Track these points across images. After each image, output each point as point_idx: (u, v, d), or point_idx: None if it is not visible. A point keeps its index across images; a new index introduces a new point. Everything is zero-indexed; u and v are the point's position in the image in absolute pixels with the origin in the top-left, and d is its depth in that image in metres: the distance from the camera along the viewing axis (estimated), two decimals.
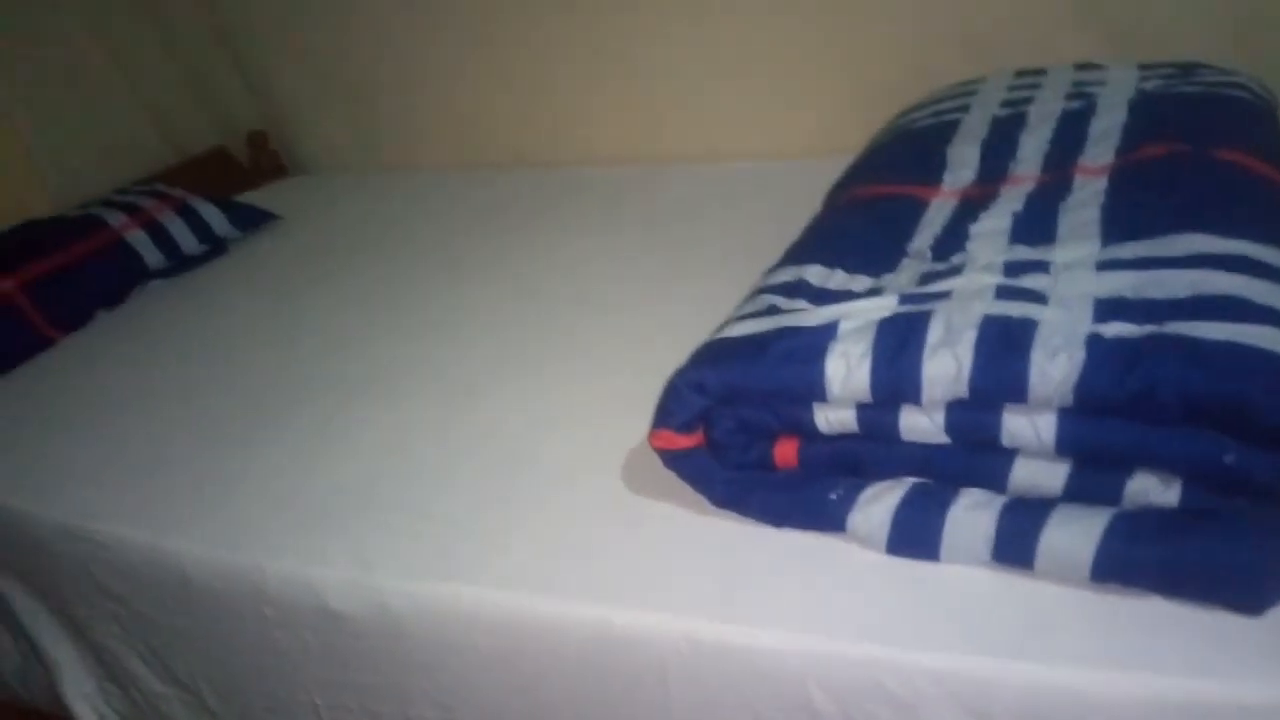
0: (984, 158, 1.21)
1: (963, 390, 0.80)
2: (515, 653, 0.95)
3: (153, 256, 1.89)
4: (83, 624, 1.24)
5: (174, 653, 1.18)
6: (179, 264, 1.94)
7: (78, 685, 1.29)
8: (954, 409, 0.83)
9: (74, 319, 1.75)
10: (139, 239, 1.88)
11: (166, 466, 1.26)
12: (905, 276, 0.99)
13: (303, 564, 1.04)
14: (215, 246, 2.01)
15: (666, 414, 0.95)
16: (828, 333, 0.88)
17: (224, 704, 1.17)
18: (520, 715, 0.98)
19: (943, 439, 0.85)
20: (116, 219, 1.90)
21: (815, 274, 1.04)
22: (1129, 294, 0.84)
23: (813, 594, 0.86)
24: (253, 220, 2.10)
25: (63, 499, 1.23)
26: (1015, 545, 0.80)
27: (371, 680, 1.04)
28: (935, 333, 0.83)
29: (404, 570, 1.00)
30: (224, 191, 2.18)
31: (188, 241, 1.95)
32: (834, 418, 0.88)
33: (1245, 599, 0.72)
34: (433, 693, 1.01)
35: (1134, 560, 0.75)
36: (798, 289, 1.02)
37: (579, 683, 0.93)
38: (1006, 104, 1.34)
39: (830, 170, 1.40)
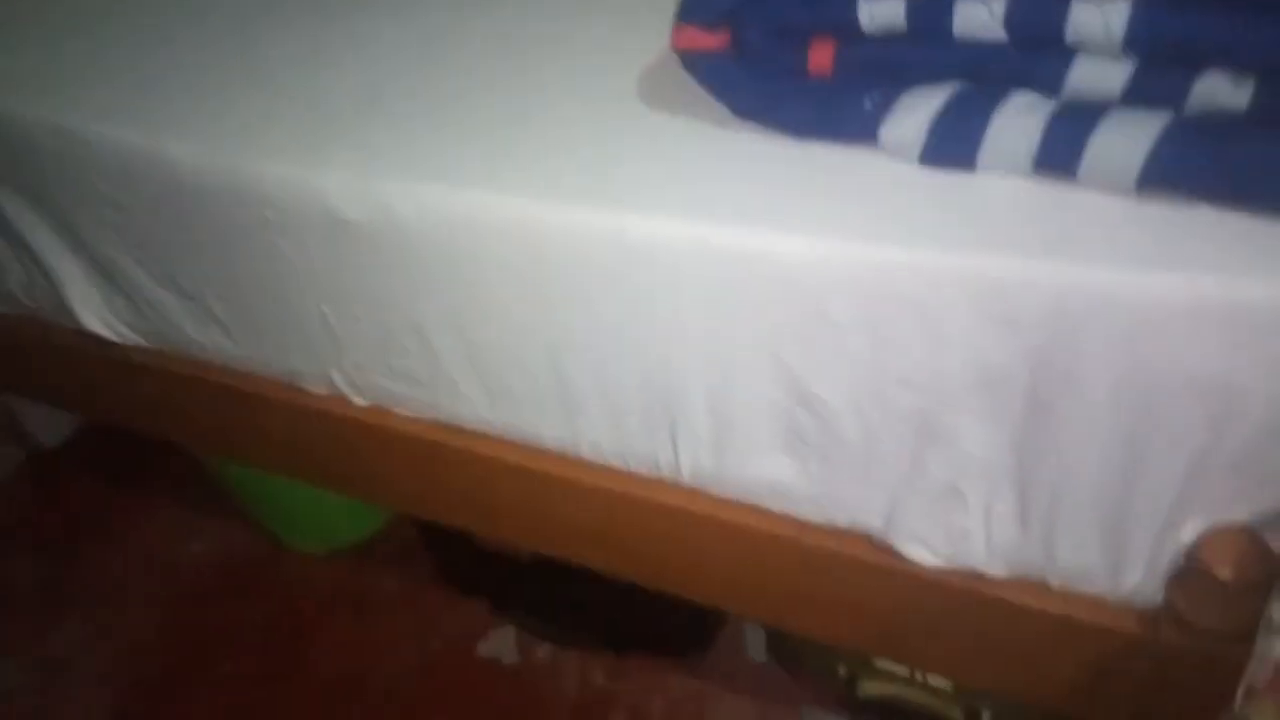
0: None
1: None
2: (525, 262, 0.93)
3: None
4: (83, 234, 1.21)
5: (177, 263, 1.16)
6: None
7: (83, 296, 1.29)
8: None
9: None
10: None
11: (161, 69, 1.18)
12: None
13: (304, 167, 0.99)
14: None
15: (692, 6, 0.86)
16: None
17: (231, 314, 1.17)
18: (531, 326, 0.98)
19: (999, 35, 0.77)
20: None
21: None
22: None
23: (837, 204, 0.82)
24: None
25: (54, 99, 1.16)
26: (1060, 150, 0.74)
27: (380, 290, 1.03)
28: None
29: (409, 174, 0.95)
30: None
31: None
32: (879, 11, 0.80)
33: None
34: (443, 302, 1.00)
35: (1187, 163, 0.70)
36: None
37: (591, 294, 0.92)
38: None
39: None
